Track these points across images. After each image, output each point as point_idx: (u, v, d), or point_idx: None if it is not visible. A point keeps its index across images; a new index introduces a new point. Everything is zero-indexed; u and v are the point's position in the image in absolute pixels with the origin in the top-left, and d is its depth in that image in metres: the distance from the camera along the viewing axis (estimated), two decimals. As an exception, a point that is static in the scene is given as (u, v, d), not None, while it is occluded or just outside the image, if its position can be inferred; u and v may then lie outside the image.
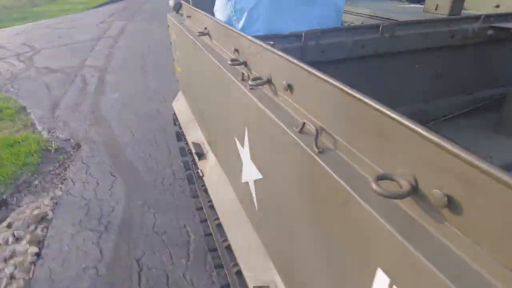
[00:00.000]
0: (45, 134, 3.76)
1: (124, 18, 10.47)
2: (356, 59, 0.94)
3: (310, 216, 0.55)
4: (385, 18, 1.55)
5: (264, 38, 0.85)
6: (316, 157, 0.47)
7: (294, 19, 1.05)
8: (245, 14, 1.06)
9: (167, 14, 2.14)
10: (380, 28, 0.94)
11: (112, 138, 3.57)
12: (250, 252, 0.93)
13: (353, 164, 0.46)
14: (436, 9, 1.51)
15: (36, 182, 2.97)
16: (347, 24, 1.59)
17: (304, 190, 0.55)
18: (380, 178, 0.39)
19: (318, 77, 0.47)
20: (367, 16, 1.62)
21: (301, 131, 0.52)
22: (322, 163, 0.46)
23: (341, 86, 0.43)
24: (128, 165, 3.05)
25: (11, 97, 4.94)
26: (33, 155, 3.31)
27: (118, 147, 3.37)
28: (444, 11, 1.47)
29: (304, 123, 0.52)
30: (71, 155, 3.33)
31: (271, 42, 0.76)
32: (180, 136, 2.41)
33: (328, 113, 0.48)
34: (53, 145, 3.47)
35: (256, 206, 0.82)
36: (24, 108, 4.56)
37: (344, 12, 1.57)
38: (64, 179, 2.94)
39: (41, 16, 16.19)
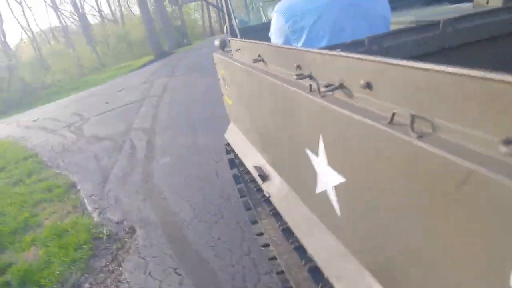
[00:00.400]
0: (95, 217, 3.28)
1: (164, 75, 10.58)
2: (420, 57, 0.91)
3: (413, 208, 0.50)
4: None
5: (327, 48, 0.86)
6: (416, 142, 0.44)
7: (349, 34, 1.06)
8: (305, 33, 1.07)
9: (213, 54, 2.12)
10: (441, 24, 0.93)
11: (169, 216, 2.98)
12: (337, 262, 0.88)
13: (461, 142, 0.42)
14: (487, 3, 1.47)
15: (87, 286, 2.39)
16: None
17: (402, 181, 0.50)
18: (507, 142, 0.35)
19: (408, 66, 0.46)
20: (414, 22, 1.54)
21: (391, 121, 0.50)
22: (425, 146, 0.43)
23: (438, 68, 0.42)
24: (194, 255, 2.39)
25: (61, 173, 4.66)
26: (83, 246, 2.79)
27: (178, 228, 2.75)
28: (497, 3, 1.42)
29: (393, 114, 0.49)
30: (125, 243, 2.77)
31: (339, 50, 0.76)
32: (248, 206, 2.28)
33: (421, 98, 0.45)
34: (104, 231, 2.95)
35: (338, 212, 0.78)
36: (74, 185, 4.21)
37: (393, 23, 1.50)
38: (119, 282, 2.34)
39: (91, 84, 17.32)
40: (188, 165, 3.89)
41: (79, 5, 32.80)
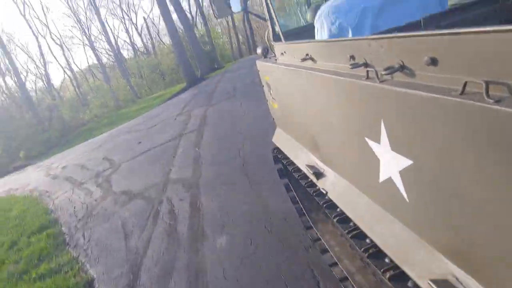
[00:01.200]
0: None
1: (200, 104, 9.32)
2: None
3: (493, 183, 0.47)
4: None
5: (381, 33, 0.84)
6: (494, 107, 0.41)
7: (400, 18, 0.98)
8: (351, 32, 1.04)
9: (256, 61, 2.12)
10: None
11: None
12: (408, 249, 0.81)
13: None
14: None
15: None
16: None
17: (479, 153, 0.47)
18: None
19: (476, 32, 0.43)
20: None
21: (462, 92, 0.47)
22: (506, 109, 0.40)
23: (505, 28, 0.39)
24: None
25: (78, 260, 3.31)
26: None
27: None
28: None
29: (465, 83, 0.47)
30: None
31: (395, 32, 0.75)
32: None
33: (492, 63, 0.43)
34: None
35: (407, 198, 0.74)
36: (91, 283, 2.82)
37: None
38: None
39: (125, 117, 16.77)
40: (259, 250, 2.35)
41: (113, 41, 33.70)
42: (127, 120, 14.32)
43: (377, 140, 0.77)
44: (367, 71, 0.73)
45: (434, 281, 0.69)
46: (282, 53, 1.49)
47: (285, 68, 1.39)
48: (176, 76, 27.73)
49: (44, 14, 28.91)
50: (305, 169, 1.49)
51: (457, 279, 0.66)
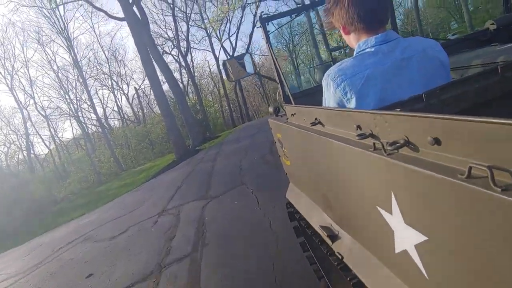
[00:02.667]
0: None
1: (194, 195, 6.43)
2: (481, 105, 0.83)
3: (507, 266, 0.45)
4: (490, 63, 1.39)
5: (386, 108, 0.84)
6: (500, 195, 0.41)
7: (403, 86, 1.01)
8: (356, 95, 1.04)
9: (268, 119, 2.07)
10: (499, 69, 0.84)
11: None
12: None
13: None
14: None
15: None
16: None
17: (489, 237, 0.46)
18: None
19: (477, 121, 0.45)
20: (465, 67, 1.46)
21: (468, 176, 0.47)
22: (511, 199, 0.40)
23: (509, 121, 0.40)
24: None
25: None
26: None
27: None
28: None
29: (470, 168, 0.46)
30: None
31: (398, 109, 0.78)
32: None
33: (496, 149, 0.44)
34: None
35: (425, 274, 0.67)
36: None
37: (452, 69, 1.38)
38: None
39: (103, 195, 13.70)
40: None
41: (101, 112, 31.97)
42: (104, 201, 11.34)
43: (389, 211, 0.72)
44: (374, 143, 0.72)
45: None
46: (292, 114, 1.47)
47: (295, 129, 1.38)
48: (166, 145, 25.32)
49: (30, 86, 26.97)
50: (319, 231, 1.39)
51: None
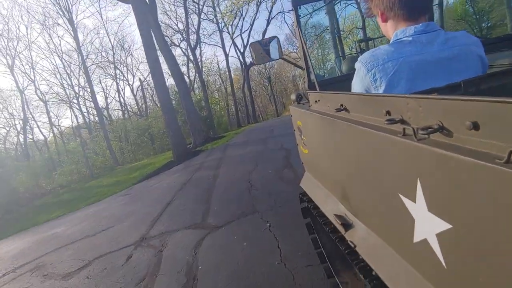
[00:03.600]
0: None
1: (188, 218, 4.69)
2: None
3: None
4: None
5: (421, 93, 0.81)
6: None
7: (436, 80, 0.94)
8: (386, 83, 1.00)
9: (290, 107, 2.03)
10: None
11: None
12: None
13: None
14: None
15: None
16: None
17: None
18: None
19: None
20: (506, 65, 1.37)
21: (508, 161, 0.44)
22: None
23: None
24: None
25: None
26: None
27: None
28: None
29: (510, 151, 0.44)
30: None
31: (435, 94, 0.74)
32: None
33: None
34: None
35: (444, 263, 0.66)
36: None
37: (489, 67, 1.32)
38: None
39: (90, 194, 12.07)
40: None
41: (102, 101, 30.34)
42: (87, 202, 9.83)
43: (413, 199, 0.70)
44: (404, 128, 0.69)
45: None
46: (316, 101, 1.44)
47: (318, 116, 1.35)
48: (166, 141, 23.66)
49: (32, 69, 25.40)
50: (333, 219, 1.39)
51: None
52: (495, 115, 0.47)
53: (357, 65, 1.07)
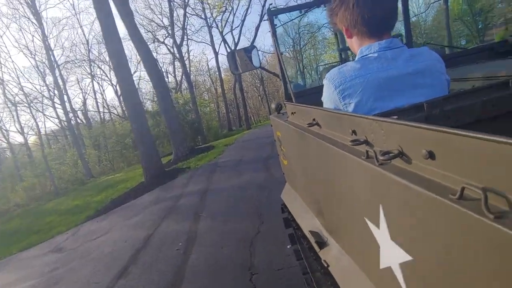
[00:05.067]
0: None
1: None
2: (487, 121, 0.77)
3: None
4: (503, 76, 1.28)
5: (383, 115, 0.75)
6: (492, 223, 0.38)
7: (402, 96, 0.94)
8: (353, 100, 0.98)
9: (270, 116, 2.04)
10: (511, 83, 0.78)
11: None
12: None
13: None
14: None
15: None
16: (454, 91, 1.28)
17: (477, 263, 0.42)
18: None
19: (477, 138, 0.40)
20: (482, 78, 1.32)
21: (460, 197, 0.42)
22: (504, 229, 0.36)
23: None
24: None
25: None
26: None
27: None
28: None
29: (463, 188, 0.42)
30: None
31: (395, 117, 0.71)
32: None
33: (494, 171, 0.40)
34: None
35: None
36: None
37: (452, 80, 1.29)
38: None
39: (31, 232, 8.98)
40: None
41: (77, 104, 26.90)
42: (22, 245, 7.18)
43: (377, 225, 0.67)
44: (367, 151, 0.67)
45: None
46: (292, 113, 1.42)
47: (293, 129, 1.33)
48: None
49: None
50: (308, 235, 1.35)
51: None
52: (449, 146, 0.45)
53: (325, 82, 1.05)
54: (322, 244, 1.20)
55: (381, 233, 0.66)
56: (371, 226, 0.70)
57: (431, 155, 0.49)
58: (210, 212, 4.71)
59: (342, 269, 1.02)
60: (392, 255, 0.63)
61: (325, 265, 1.12)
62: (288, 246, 2.83)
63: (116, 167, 20.96)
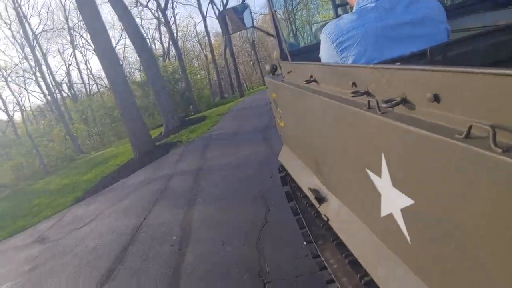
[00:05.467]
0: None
1: None
2: (491, 66, 0.61)
3: (498, 232, 0.42)
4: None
5: (384, 63, 0.77)
6: (500, 157, 0.36)
7: (401, 44, 0.91)
8: (352, 52, 0.96)
9: (265, 78, 1.97)
10: None
11: None
12: None
13: None
14: None
15: None
16: None
17: (483, 202, 0.41)
18: None
19: (484, 73, 0.39)
20: (483, 28, 1.21)
21: (467, 136, 0.41)
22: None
23: None
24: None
25: None
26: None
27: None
28: None
29: (470, 127, 0.41)
30: None
31: (398, 63, 0.70)
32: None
33: (501, 107, 0.38)
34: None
35: (408, 239, 0.64)
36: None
37: (452, 31, 1.20)
38: None
39: (18, 215, 8.43)
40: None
41: (61, 76, 25.20)
42: (8, 231, 6.29)
43: (378, 174, 0.68)
44: (368, 101, 0.65)
45: None
46: (288, 72, 1.40)
47: (290, 88, 1.31)
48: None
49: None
50: (307, 193, 1.36)
51: None
52: (455, 87, 0.44)
53: (322, 36, 1.02)
54: (321, 200, 1.20)
55: (382, 181, 0.66)
56: (372, 176, 0.70)
57: (436, 98, 0.47)
58: (203, 198, 4.11)
59: (342, 221, 1.02)
60: (394, 202, 0.63)
61: (325, 219, 1.13)
62: (305, 243, 2.27)
63: (107, 141, 20.14)
